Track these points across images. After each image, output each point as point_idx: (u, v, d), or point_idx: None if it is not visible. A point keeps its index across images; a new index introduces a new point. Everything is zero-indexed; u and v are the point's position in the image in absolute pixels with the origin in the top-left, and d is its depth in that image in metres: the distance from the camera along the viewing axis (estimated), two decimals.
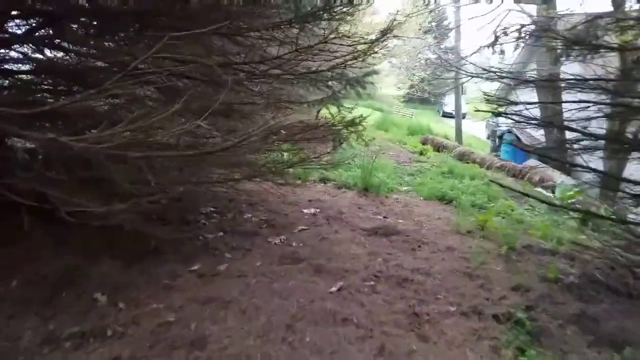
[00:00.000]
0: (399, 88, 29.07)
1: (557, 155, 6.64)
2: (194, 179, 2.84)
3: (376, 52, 2.89)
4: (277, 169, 3.26)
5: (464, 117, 17.64)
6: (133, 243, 2.37)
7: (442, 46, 25.86)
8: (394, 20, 2.93)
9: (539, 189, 6.28)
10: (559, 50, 4.15)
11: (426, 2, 12.52)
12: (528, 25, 5.61)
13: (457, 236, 3.50)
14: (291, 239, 3.04)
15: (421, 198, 4.81)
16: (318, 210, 3.84)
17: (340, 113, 3.92)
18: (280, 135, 3.60)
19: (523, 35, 4.67)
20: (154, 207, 2.34)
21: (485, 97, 4.13)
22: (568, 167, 7.01)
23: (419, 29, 19.91)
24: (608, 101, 4.19)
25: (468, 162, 8.65)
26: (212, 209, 3.38)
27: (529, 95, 4.51)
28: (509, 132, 11.44)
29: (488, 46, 4.91)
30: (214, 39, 2.71)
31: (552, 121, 5.22)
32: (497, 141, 13.60)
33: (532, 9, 9.26)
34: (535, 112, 4.36)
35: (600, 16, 4.23)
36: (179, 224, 2.91)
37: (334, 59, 2.89)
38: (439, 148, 9.59)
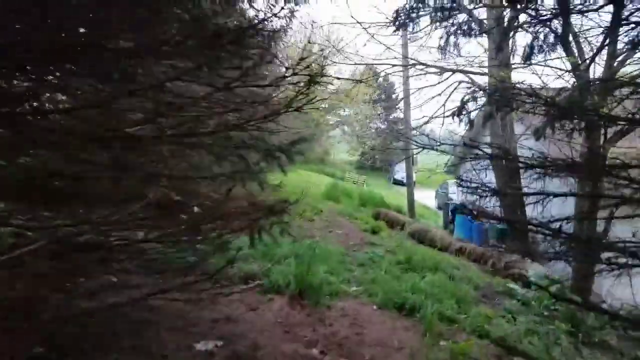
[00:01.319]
0: (350, 155, 29.15)
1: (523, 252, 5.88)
2: None
3: (299, 109, 1.79)
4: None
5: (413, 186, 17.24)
6: None
7: (391, 116, 26.60)
8: (324, 59, 1.88)
9: (511, 285, 5.28)
10: (543, 122, 3.38)
11: (373, 73, 12.41)
12: (493, 91, 4.92)
13: None
14: None
15: (374, 307, 3.57)
16: (221, 343, 2.46)
17: (262, 191, 2.78)
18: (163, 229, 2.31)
19: (495, 101, 3.90)
20: None
21: (458, 182, 3.22)
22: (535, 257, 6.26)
23: (368, 99, 20.13)
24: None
25: (425, 242, 7.70)
26: (40, 350, 1.89)
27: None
28: (463, 205, 10.82)
29: (454, 115, 4.12)
30: None
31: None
32: (449, 215, 12.98)
33: (483, 79, 9.09)
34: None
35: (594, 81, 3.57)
36: None
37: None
38: (392, 224, 8.62)
